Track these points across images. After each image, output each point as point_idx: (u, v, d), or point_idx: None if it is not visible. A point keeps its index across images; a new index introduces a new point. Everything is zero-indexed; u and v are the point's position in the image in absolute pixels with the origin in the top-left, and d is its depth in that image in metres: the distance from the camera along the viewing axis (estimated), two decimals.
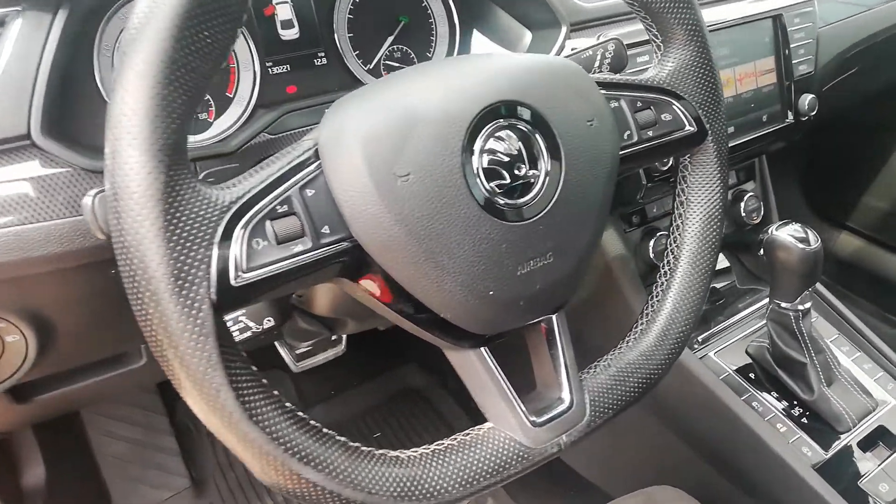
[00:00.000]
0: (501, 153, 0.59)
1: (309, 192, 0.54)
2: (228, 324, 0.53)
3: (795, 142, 1.28)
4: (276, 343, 1.17)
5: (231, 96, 0.89)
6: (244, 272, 0.50)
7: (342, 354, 1.75)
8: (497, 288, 0.59)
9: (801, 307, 1.06)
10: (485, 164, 0.58)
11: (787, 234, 1.03)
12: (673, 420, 1.18)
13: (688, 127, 0.74)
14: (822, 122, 1.34)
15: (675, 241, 0.77)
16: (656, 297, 0.76)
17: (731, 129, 1.13)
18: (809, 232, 1.04)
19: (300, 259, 0.53)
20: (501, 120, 0.59)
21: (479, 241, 0.57)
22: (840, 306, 1.24)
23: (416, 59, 1.04)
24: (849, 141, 1.98)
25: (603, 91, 0.69)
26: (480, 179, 0.57)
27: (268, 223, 0.51)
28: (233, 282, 0.49)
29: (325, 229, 0.54)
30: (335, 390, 1.80)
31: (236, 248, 0.50)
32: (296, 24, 0.94)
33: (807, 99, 1.20)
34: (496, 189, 0.58)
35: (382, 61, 1.01)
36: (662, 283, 0.76)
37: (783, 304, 1.07)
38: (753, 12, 1.14)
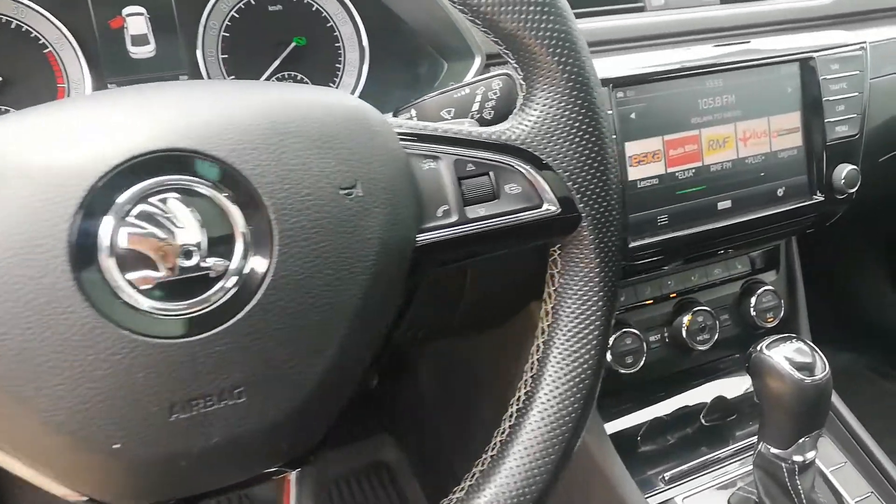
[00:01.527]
0: (153, 229, 0.38)
1: None
2: None
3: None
4: None
5: None
6: None
7: None
8: (129, 439, 0.38)
9: (796, 458, 0.76)
10: (123, 244, 0.37)
11: (782, 355, 0.74)
12: None
13: (548, 207, 0.49)
14: (883, 201, 1.02)
15: (531, 368, 0.52)
16: (493, 448, 0.52)
17: (725, 204, 0.85)
18: (817, 356, 0.74)
19: None
20: (166, 178, 0.39)
21: (92, 364, 0.36)
22: (881, 458, 0.91)
23: None
24: None
25: (410, 143, 0.47)
26: (105, 266, 0.37)
27: None
28: None
29: None
30: None
31: None
32: (152, 40, 0.78)
33: (845, 170, 0.89)
34: (135, 284, 0.37)
35: None
36: (505, 430, 0.52)
37: (773, 450, 0.77)
38: (771, 53, 0.86)
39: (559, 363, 0.51)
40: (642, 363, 0.90)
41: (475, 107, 0.61)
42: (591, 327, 0.51)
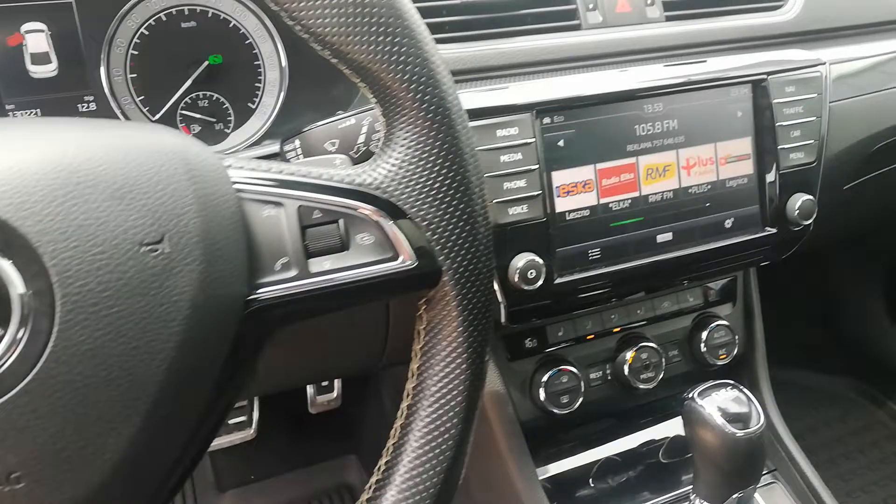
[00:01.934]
0: None
1: None
2: None
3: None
4: None
5: None
6: None
7: (254, 438, 1.53)
8: None
9: None
10: None
11: (715, 405, 0.69)
12: None
13: (403, 260, 0.45)
14: (853, 230, 0.96)
15: (394, 435, 0.48)
16: None
17: (665, 237, 0.80)
18: (753, 407, 0.69)
19: None
20: None
21: None
22: None
23: (231, 111, 0.81)
24: None
25: (247, 187, 0.42)
26: None
27: None
28: None
29: None
30: (256, 475, 1.57)
31: None
32: (54, 58, 0.74)
33: (800, 200, 0.83)
34: None
35: (180, 111, 0.79)
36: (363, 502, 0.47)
37: None
38: (719, 74, 0.80)
39: (421, 434, 0.46)
40: (579, 403, 0.85)
41: (361, 139, 0.56)
42: (456, 394, 0.46)
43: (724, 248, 0.82)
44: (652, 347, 0.89)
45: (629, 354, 0.88)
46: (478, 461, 0.91)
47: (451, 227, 0.45)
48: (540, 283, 0.72)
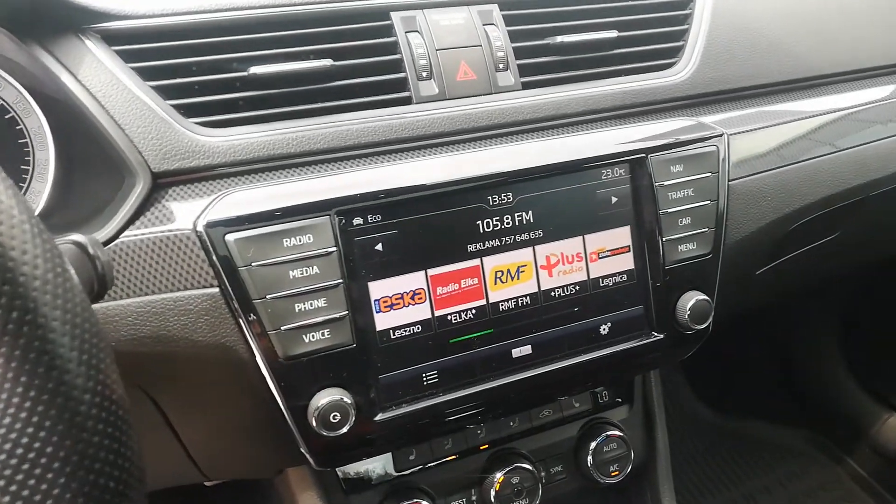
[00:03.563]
0: None
1: None
2: None
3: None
4: None
5: None
6: None
7: None
8: None
9: None
10: None
11: None
12: None
13: None
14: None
15: None
16: None
17: (522, 351, 0.66)
18: None
19: None
20: None
21: None
22: None
23: None
24: None
25: None
26: None
27: None
28: None
29: None
30: None
31: None
32: None
33: (692, 301, 0.69)
34: None
35: None
36: None
37: None
38: (587, 153, 0.66)
39: None
40: None
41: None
42: None
43: (601, 360, 0.68)
44: (525, 469, 0.74)
45: (498, 478, 0.74)
46: None
47: None
48: (348, 426, 0.57)
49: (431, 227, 0.61)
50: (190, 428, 0.63)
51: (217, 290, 0.55)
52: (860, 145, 0.81)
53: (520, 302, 0.65)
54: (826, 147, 0.78)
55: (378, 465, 0.72)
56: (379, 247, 0.60)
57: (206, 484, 1.19)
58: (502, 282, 0.65)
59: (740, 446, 1.85)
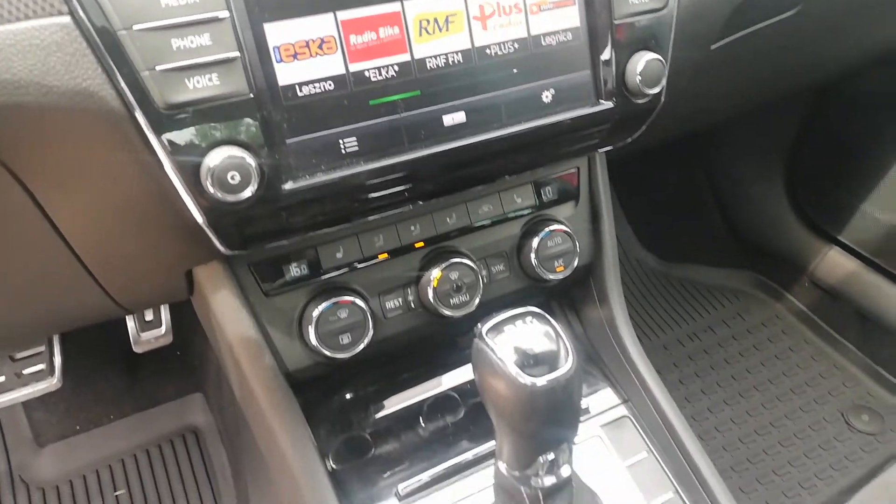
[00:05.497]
0: None
1: None
2: None
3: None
4: None
5: None
6: None
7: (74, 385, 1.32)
8: None
9: (537, 482, 0.53)
10: None
11: (509, 344, 0.50)
12: None
13: None
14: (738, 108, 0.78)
15: None
16: None
17: (455, 118, 0.58)
18: (562, 344, 0.50)
19: None
20: None
21: None
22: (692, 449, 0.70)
23: None
24: (856, 124, 1.42)
25: None
26: None
27: None
28: None
29: None
30: (81, 425, 1.36)
31: None
32: None
33: (643, 60, 0.62)
34: None
35: None
36: None
37: (509, 469, 0.54)
38: None
39: None
40: (367, 342, 0.65)
41: None
42: None
43: (542, 129, 0.61)
44: (464, 264, 0.68)
45: (435, 274, 0.68)
46: (242, 429, 0.72)
47: None
48: (250, 190, 0.49)
49: None
50: (66, 210, 0.54)
51: (69, 17, 0.44)
52: None
53: (450, 59, 0.57)
54: None
55: (303, 266, 0.65)
56: None
57: (135, 349, 1.12)
58: (428, 33, 0.55)
59: (685, 291, 1.88)
